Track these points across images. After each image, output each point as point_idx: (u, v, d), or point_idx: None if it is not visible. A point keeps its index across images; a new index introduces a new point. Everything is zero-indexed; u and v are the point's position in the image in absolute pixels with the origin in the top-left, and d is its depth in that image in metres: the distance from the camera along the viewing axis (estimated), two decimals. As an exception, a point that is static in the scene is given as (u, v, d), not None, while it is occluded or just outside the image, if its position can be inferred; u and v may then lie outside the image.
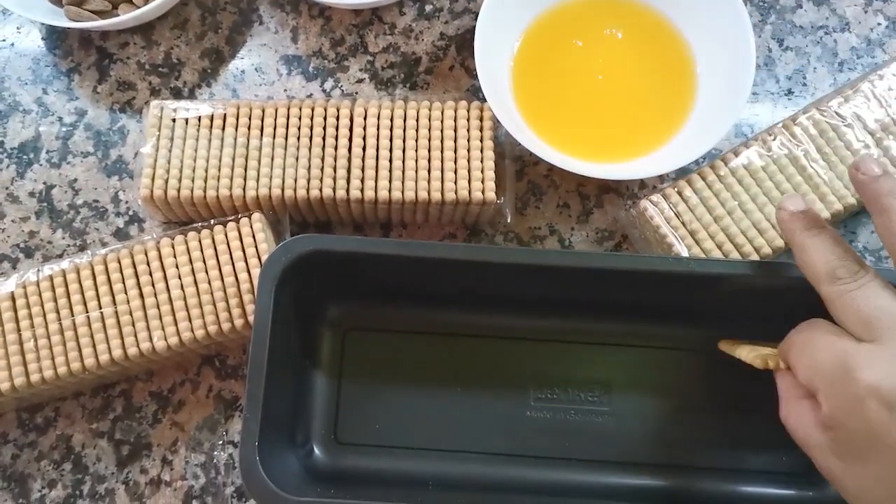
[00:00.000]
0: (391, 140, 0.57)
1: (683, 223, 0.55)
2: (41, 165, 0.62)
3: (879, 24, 0.66)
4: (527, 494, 0.53)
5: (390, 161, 0.56)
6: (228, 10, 0.66)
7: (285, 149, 0.56)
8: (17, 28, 0.66)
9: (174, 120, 0.57)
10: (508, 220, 0.58)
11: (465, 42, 0.65)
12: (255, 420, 0.46)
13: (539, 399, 0.54)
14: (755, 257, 0.55)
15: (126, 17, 0.61)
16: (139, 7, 0.63)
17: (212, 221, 0.55)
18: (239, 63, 0.65)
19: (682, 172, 0.58)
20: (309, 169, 0.56)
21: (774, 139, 0.57)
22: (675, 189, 0.56)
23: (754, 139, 0.57)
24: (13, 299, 0.53)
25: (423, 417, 0.54)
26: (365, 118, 0.57)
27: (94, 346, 0.52)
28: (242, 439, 0.46)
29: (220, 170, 0.56)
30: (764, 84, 0.64)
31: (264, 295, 0.48)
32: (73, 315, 0.53)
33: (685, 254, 0.54)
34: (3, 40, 0.66)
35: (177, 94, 0.64)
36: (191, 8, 0.66)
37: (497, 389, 0.55)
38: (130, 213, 0.61)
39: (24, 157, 0.62)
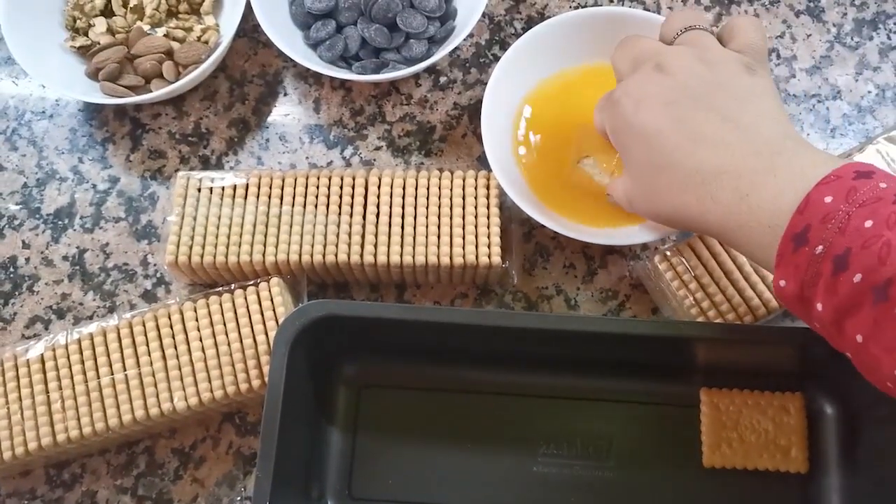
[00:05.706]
0: (403, 207, 0.59)
1: (696, 277, 0.57)
2: (75, 230, 0.65)
3: (870, 91, 0.67)
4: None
5: (402, 227, 0.59)
6: (255, 82, 0.70)
7: (304, 216, 0.59)
8: (56, 100, 0.70)
9: (199, 189, 0.60)
10: (515, 281, 0.60)
11: (476, 111, 0.67)
12: (266, 479, 0.48)
13: (545, 455, 0.56)
14: (763, 310, 0.56)
15: (158, 92, 0.65)
16: (171, 83, 0.66)
17: (233, 286, 0.58)
18: (264, 132, 0.68)
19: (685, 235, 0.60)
20: (325, 235, 0.58)
21: None
22: (687, 243, 0.58)
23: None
24: (42, 362, 0.56)
25: (435, 472, 0.56)
26: (379, 186, 0.60)
27: (118, 406, 0.54)
28: (255, 498, 0.48)
29: (241, 236, 0.59)
30: (765, 148, 0.66)
31: (278, 358, 0.50)
32: (98, 377, 0.55)
33: (694, 309, 0.56)
34: (43, 112, 0.69)
35: (205, 162, 0.67)
36: (220, 80, 0.70)
37: (506, 445, 0.56)
38: (158, 275, 0.64)
39: (60, 222, 0.66)
